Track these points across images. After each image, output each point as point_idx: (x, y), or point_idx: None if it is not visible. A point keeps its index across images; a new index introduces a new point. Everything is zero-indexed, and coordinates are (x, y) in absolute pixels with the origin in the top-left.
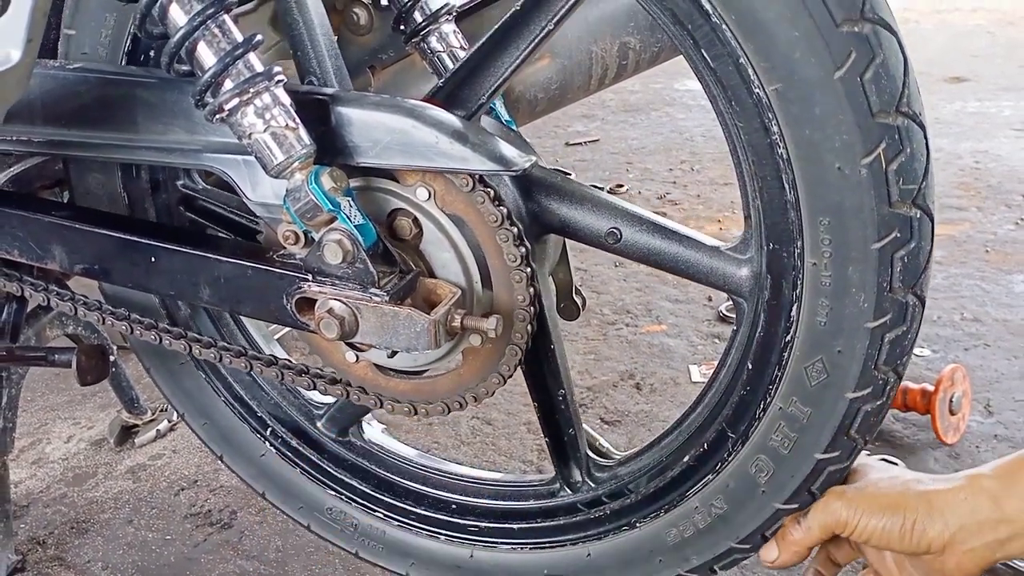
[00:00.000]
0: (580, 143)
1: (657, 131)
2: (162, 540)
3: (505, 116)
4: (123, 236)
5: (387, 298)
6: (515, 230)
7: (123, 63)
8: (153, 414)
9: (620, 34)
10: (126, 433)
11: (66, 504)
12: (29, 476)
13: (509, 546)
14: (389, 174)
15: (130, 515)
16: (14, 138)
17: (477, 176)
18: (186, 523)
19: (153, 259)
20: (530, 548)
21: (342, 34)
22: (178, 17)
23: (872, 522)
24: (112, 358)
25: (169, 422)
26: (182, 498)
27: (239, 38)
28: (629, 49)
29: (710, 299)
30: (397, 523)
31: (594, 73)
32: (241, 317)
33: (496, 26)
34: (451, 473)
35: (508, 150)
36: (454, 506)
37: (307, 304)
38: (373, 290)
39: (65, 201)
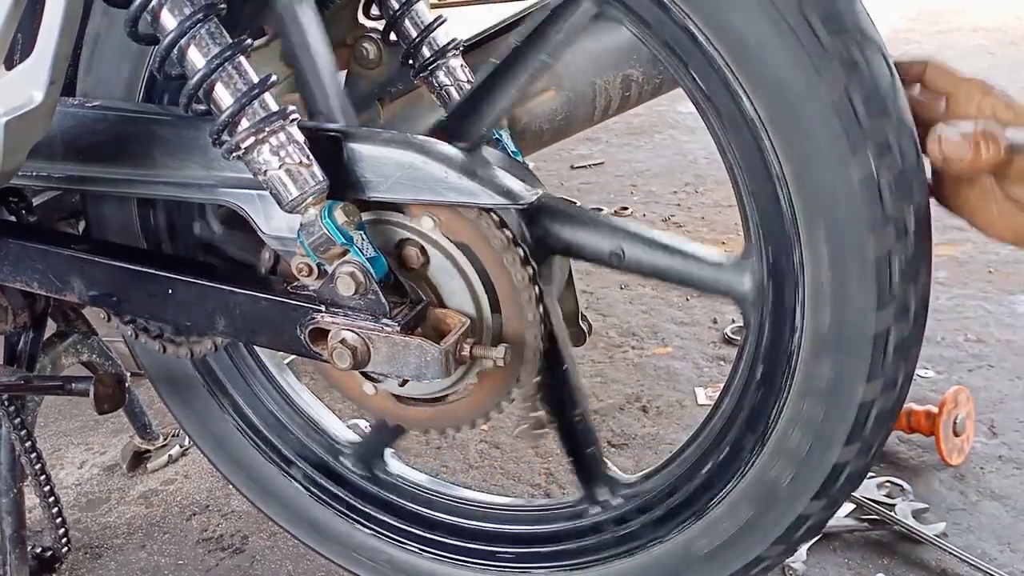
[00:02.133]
0: (584, 166)
1: (661, 154)
2: (174, 565)
3: (511, 147)
4: (140, 268)
5: (398, 328)
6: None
7: (140, 100)
8: (165, 439)
9: (623, 66)
10: (138, 459)
11: (79, 529)
12: (43, 502)
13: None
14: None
15: (143, 540)
16: (34, 173)
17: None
18: (198, 548)
19: (170, 291)
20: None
21: (352, 68)
22: (196, 60)
23: None
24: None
25: (181, 447)
26: (194, 523)
27: (255, 79)
28: (632, 81)
29: (715, 321)
30: (430, 556)
31: (598, 104)
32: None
33: (497, 62)
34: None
35: (515, 183)
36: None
37: (320, 334)
38: (385, 320)
39: (80, 233)
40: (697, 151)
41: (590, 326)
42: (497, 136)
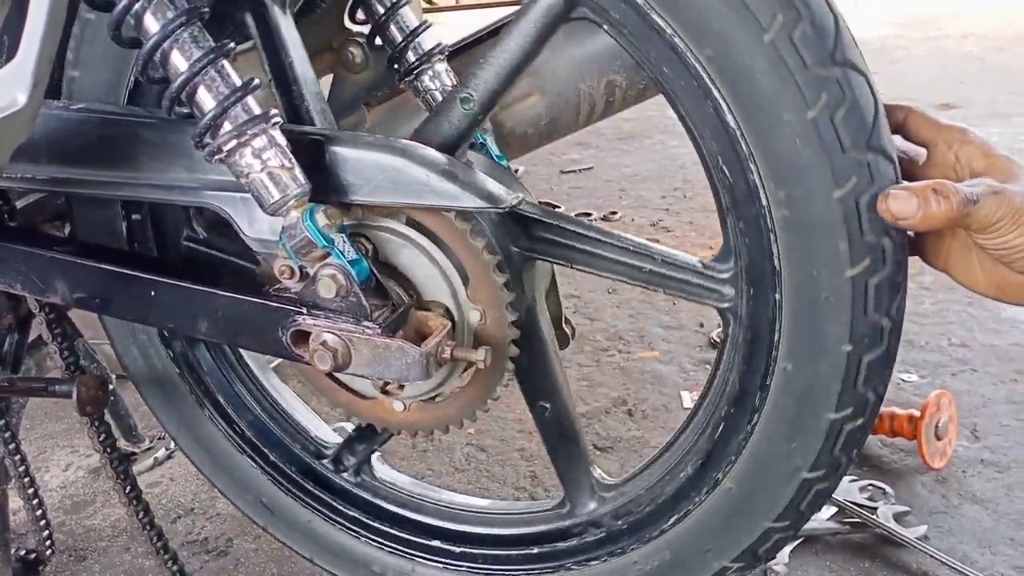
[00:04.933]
0: (574, 171)
1: (650, 159)
2: (159, 568)
3: (496, 152)
4: (123, 270)
5: (379, 330)
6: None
7: (124, 103)
8: (151, 442)
9: (607, 72)
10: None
11: (64, 532)
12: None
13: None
14: None
15: (127, 543)
16: (19, 176)
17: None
18: (183, 551)
19: (152, 293)
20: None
21: (337, 72)
22: (179, 63)
23: (1012, 237)
24: (110, 387)
25: (167, 450)
26: (179, 526)
27: (237, 82)
28: (616, 87)
29: (702, 325)
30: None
31: (582, 110)
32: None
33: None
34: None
35: (496, 187)
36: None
37: (302, 336)
38: (366, 323)
39: (66, 235)
40: (686, 156)
41: (573, 330)
42: (482, 140)
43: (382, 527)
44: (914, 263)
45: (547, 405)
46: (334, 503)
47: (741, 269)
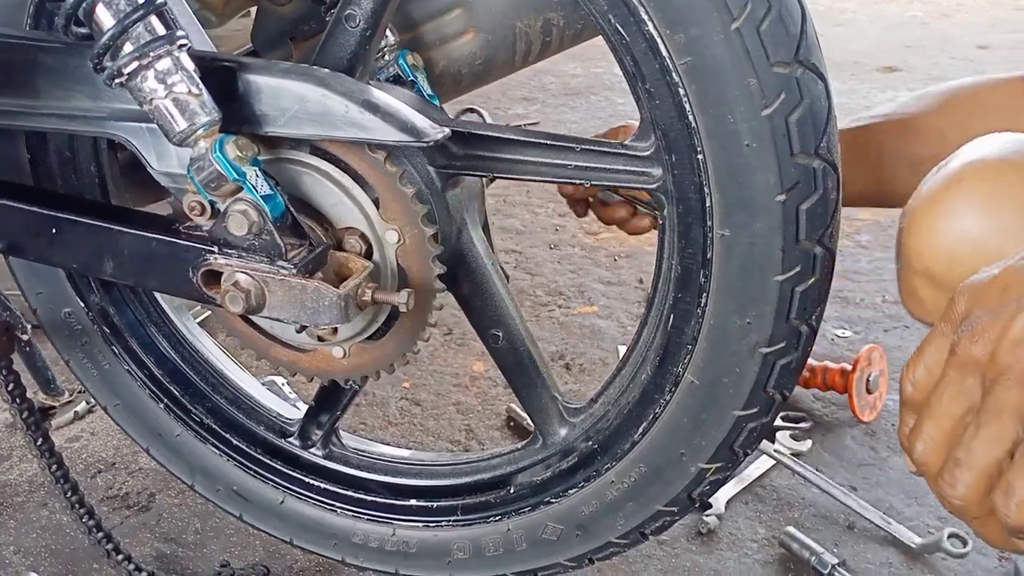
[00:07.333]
0: (519, 125)
1: (596, 115)
2: (76, 523)
3: (428, 91)
4: (22, 206)
5: (295, 271)
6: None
7: (28, 27)
8: (71, 396)
9: (544, 10)
10: (42, 415)
11: None
12: None
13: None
14: None
15: (45, 498)
16: None
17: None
18: (103, 506)
19: (55, 230)
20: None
21: (261, 4)
22: None
23: None
24: (26, 337)
25: (87, 404)
26: (99, 481)
27: None
28: (552, 25)
29: (641, 281)
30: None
31: (518, 49)
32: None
33: None
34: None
35: (420, 120)
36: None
37: (213, 277)
38: (280, 263)
39: None
40: (632, 113)
41: (507, 276)
42: (413, 79)
43: (357, 495)
44: (849, 218)
45: (498, 333)
46: (305, 479)
47: (661, 141)
